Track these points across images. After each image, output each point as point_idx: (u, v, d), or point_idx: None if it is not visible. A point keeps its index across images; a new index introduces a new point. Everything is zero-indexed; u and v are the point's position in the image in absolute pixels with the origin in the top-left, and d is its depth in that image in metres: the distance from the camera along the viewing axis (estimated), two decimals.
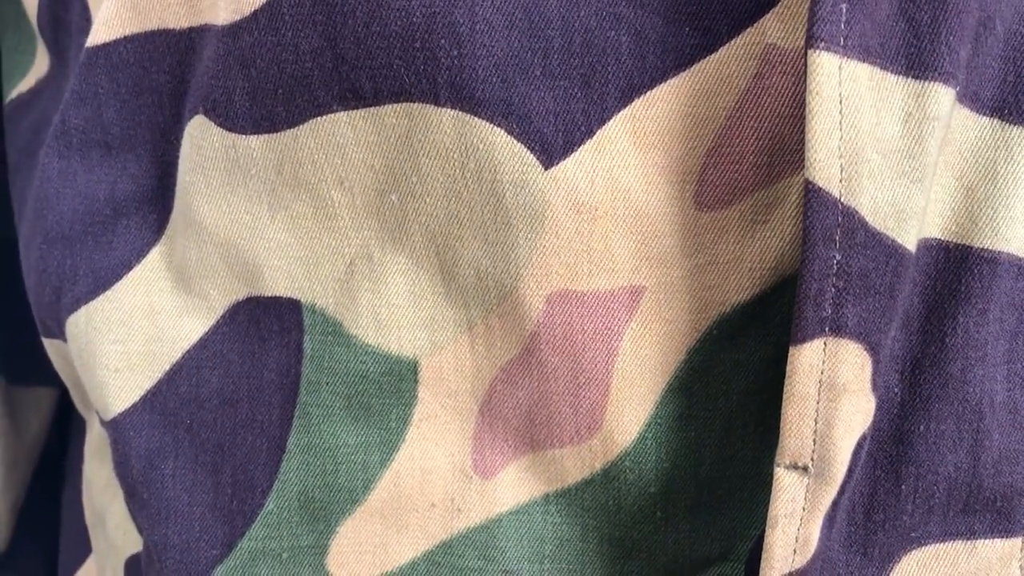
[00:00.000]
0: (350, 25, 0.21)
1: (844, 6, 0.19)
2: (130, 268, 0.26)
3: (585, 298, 0.23)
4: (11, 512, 0.37)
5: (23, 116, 0.31)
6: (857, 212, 0.20)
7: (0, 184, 0.35)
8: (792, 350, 0.21)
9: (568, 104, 0.21)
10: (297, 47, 0.22)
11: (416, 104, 0.22)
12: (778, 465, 0.22)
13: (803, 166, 0.21)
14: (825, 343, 0.21)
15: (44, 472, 0.40)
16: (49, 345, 0.30)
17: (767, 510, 0.24)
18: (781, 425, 0.22)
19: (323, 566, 0.26)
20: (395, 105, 0.22)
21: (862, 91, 0.20)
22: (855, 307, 0.21)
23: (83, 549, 0.35)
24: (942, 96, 0.20)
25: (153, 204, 0.26)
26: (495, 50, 0.21)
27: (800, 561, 0.22)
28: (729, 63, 0.21)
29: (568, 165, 0.22)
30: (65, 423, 0.40)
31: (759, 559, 0.24)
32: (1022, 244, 0.22)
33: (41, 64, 0.31)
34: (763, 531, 0.24)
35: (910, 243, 0.21)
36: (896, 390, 0.23)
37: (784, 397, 0.21)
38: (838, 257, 0.20)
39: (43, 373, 0.37)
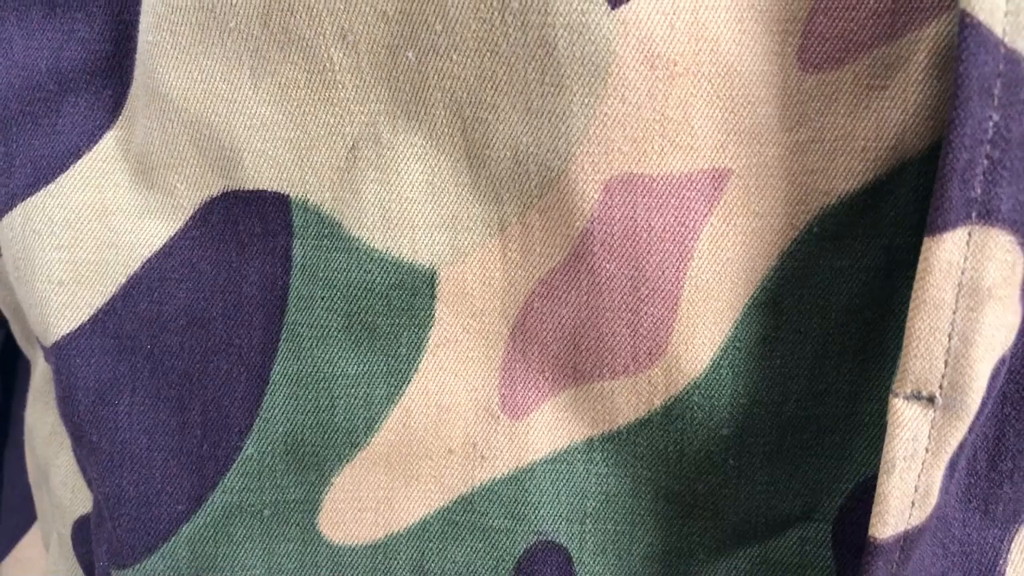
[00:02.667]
0: None
1: None
2: (78, 157, 0.22)
3: (655, 184, 0.19)
4: None
5: None
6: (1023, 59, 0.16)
7: None
8: (927, 242, 0.17)
9: None
10: None
11: None
12: (896, 395, 0.18)
13: (938, 14, 0.17)
14: (970, 233, 0.17)
15: None
16: None
17: (864, 459, 0.21)
18: (905, 342, 0.17)
19: (314, 526, 0.22)
20: None
21: None
22: (1011, 187, 0.16)
23: (30, 510, 0.31)
24: None
25: (107, 76, 0.22)
26: None
27: (919, 517, 0.18)
28: None
29: (642, 3, 0.17)
30: (7, 375, 0.36)
31: (851, 519, 0.21)
32: None
33: None
34: (857, 485, 0.21)
35: None
36: None
37: (912, 305, 0.17)
38: (995, 118, 0.16)
39: None
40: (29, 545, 0.32)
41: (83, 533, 0.26)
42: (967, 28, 0.16)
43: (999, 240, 0.17)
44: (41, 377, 0.27)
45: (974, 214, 0.17)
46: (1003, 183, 0.16)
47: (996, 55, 0.16)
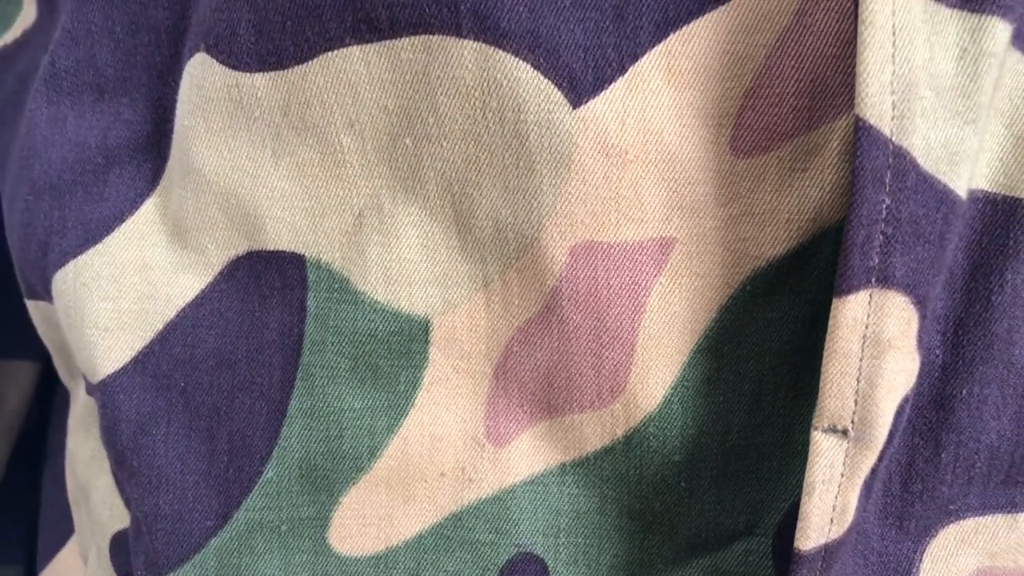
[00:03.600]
0: None
1: None
2: (122, 220, 0.25)
3: (611, 250, 0.22)
4: None
5: (8, 67, 0.30)
6: (909, 153, 0.19)
7: None
8: (836, 302, 0.20)
9: (599, 38, 0.20)
10: None
11: (436, 36, 0.20)
12: (815, 428, 0.21)
13: (846, 111, 0.20)
14: (871, 295, 0.19)
15: (22, 453, 0.39)
16: (33, 308, 0.28)
17: (797, 481, 0.23)
18: (820, 384, 0.20)
19: (324, 539, 0.24)
20: (413, 38, 0.21)
21: (915, 23, 0.19)
22: (903, 256, 0.19)
23: (65, 528, 0.34)
24: (999, 31, 0.19)
25: (148, 152, 0.25)
26: None
27: (837, 532, 0.21)
28: None
29: (598, 104, 0.20)
30: (45, 402, 0.39)
31: (787, 534, 0.23)
32: None
33: (28, 14, 0.29)
34: (792, 504, 0.23)
35: (962, 189, 0.19)
36: (938, 351, 0.22)
37: (825, 354, 0.20)
38: (887, 201, 0.19)
39: (23, 346, 0.36)
40: (65, 558, 0.34)
41: (120, 547, 0.29)
42: (861, 129, 0.19)
43: (895, 300, 0.20)
44: (83, 408, 0.30)
45: (873, 279, 0.20)
46: (896, 254, 0.19)
47: (886, 151, 0.19)
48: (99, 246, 0.25)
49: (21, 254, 0.26)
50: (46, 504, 0.36)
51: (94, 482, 0.29)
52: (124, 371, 0.25)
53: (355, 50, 0.21)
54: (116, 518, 0.28)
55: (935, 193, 0.19)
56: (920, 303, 0.20)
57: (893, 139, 0.19)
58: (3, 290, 0.35)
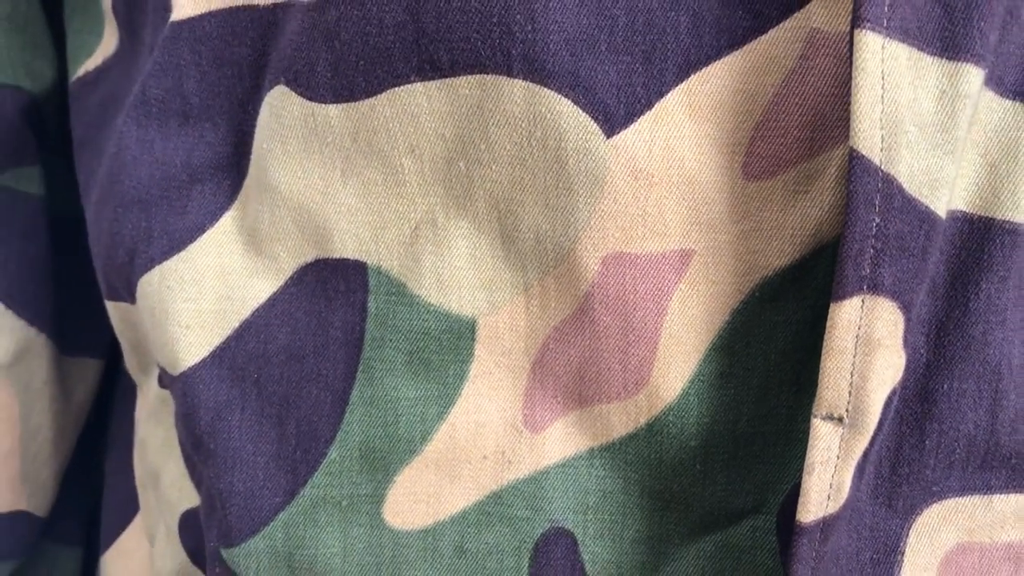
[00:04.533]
0: (432, 1, 0.23)
1: None
2: (203, 231, 0.28)
3: (638, 260, 0.25)
4: (56, 478, 0.39)
5: (90, 93, 0.33)
6: (895, 179, 0.22)
7: (60, 165, 0.37)
8: (833, 306, 0.23)
9: (630, 78, 0.23)
10: (381, 21, 0.24)
11: (490, 76, 0.24)
12: (815, 416, 0.23)
13: (843, 141, 0.23)
14: (863, 300, 0.22)
15: (80, 444, 0.42)
16: (113, 308, 0.31)
17: (799, 465, 0.26)
18: (819, 378, 0.23)
19: (379, 514, 0.27)
20: (469, 76, 0.24)
21: (902, 69, 0.22)
22: (891, 267, 0.22)
23: (130, 510, 0.37)
24: (973, 76, 0.22)
25: (228, 170, 0.28)
26: (566, 26, 0.23)
27: (833, 507, 0.24)
28: (777, 44, 0.23)
29: (628, 134, 0.24)
30: (104, 399, 0.42)
31: (790, 512, 0.26)
32: None
33: (109, 43, 0.32)
34: (794, 485, 0.26)
35: (941, 210, 0.23)
36: (922, 351, 0.25)
37: (823, 351, 0.23)
38: (877, 220, 0.22)
39: (92, 345, 0.39)
40: (129, 538, 0.36)
41: (188, 524, 0.31)
42: (854, 159, 0.22)
43: (884, 305, 0.23)
44: (155, 400, 0.33)
45: (865, 287, 0.22)
46: (885, 265, 0.22)
47: (876, 177, 0.22)
48: (182, 253, 0.28)
49: (107, 260, 0.30)
50: (109, 490, 0.39)
51: (164, 466, 0.32)
52: (203, 364, 0.28)
53: (419, 86, 0.24)
54: (185, 498, 0.31)
55: (918, 213, 0.22)
56: (906, 307, 0.23)
57: (882, 167, 0.22)
58: (77, 295, 0.38)
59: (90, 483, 0.42)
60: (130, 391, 0.38)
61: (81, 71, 0.33)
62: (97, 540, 0.42)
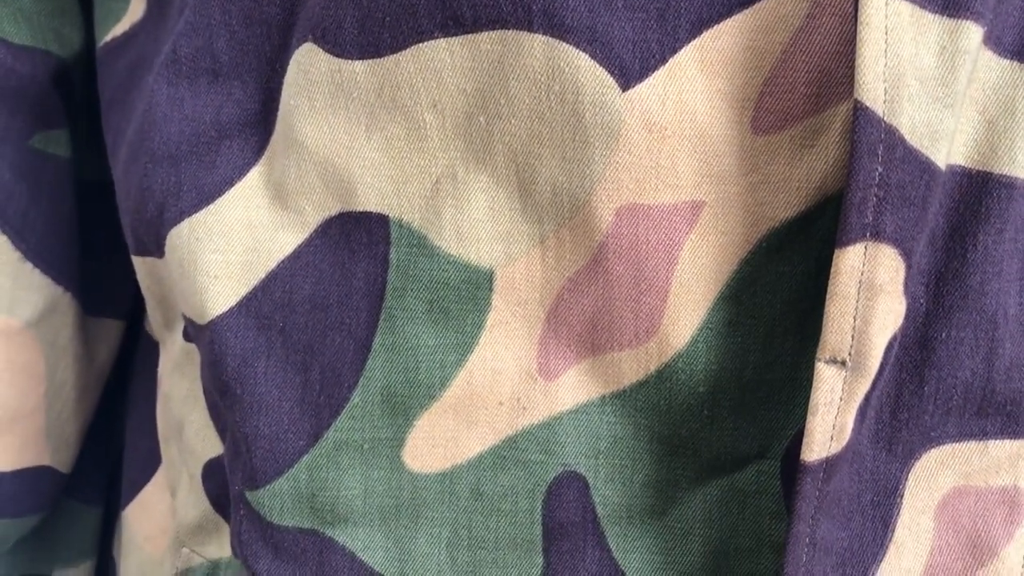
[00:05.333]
0: None
1: None
2: (231, 185, 0.29)
3: (651, 211, 0.26)
4: (79, 435, 0.40)
5: (118, 57, 0.34)
6: (897, 130, 0.23)
7: (86, 128, 0.38)
8: (837, 253, 0.24)
9: (645, 34, 0.24)
10: None
11: (510, 31, 0.25)
12: (819, 360, 0.24)
13: (847, 97, 0.24)
14: (866, 247, 0.24)
15: (100, 406, 0.43)
16: (141, 263, 0.32)
17: (803, 412, 0.27)
18: (823, 323, 0.24)
19: (399, 457, 0.28)
20: (491, 32, 0.25)
21: (904, 25, 0.23)
22: (893, 215, 0.23)
23: (151, 466, 0.38)
24: (972, 32, 0.23)
25: (255, 127, 0.29)
26: None
27: (836, 447, 0.25)
28: (786, 3, 0.24)
29: (643, 88, 0.25)
30: (123, 363, 0.43)
31: (794, 457, 0.27)
32: None
33: (136, 9, 0.33)
34: (798, 431, 0.27)
35: (941, 161, 0.24)
36: (922, 300, 0.26)
37: (827, 297, 0.24)
38: (880, 170, 0.23)
39: (115, 306, 0.40)
40: (151, 492, 0.37)
41: (212, 472, 0.32)
42: (859, 110, 0.23)
43: (886, 252, 0.24)
44: (179, 353, 0.34)
45: (868, 234, 0.23)
46: (887, 213, 0.23)
47: (879, 128, 0.23)
48: (211, 207, 0.29)
49: (136, 215, 0.31)
50: (130, 448, 0.40)
51: (188, 417, 0.33)
52: (231, 312, 0.29)
53: (442, 42, 0.25)
54: (209, 447, 0.32)
55: (919, 164, 0.23)
56: (907, 254, 0.24)
57: (885, 119, 0.23)
58: (96, 258, 0.39)
59: (110, 444, 0.43)
60: (149, 354, 0.39)
61: (109, 36, 0.34)
62: (116, 499, 0.44)
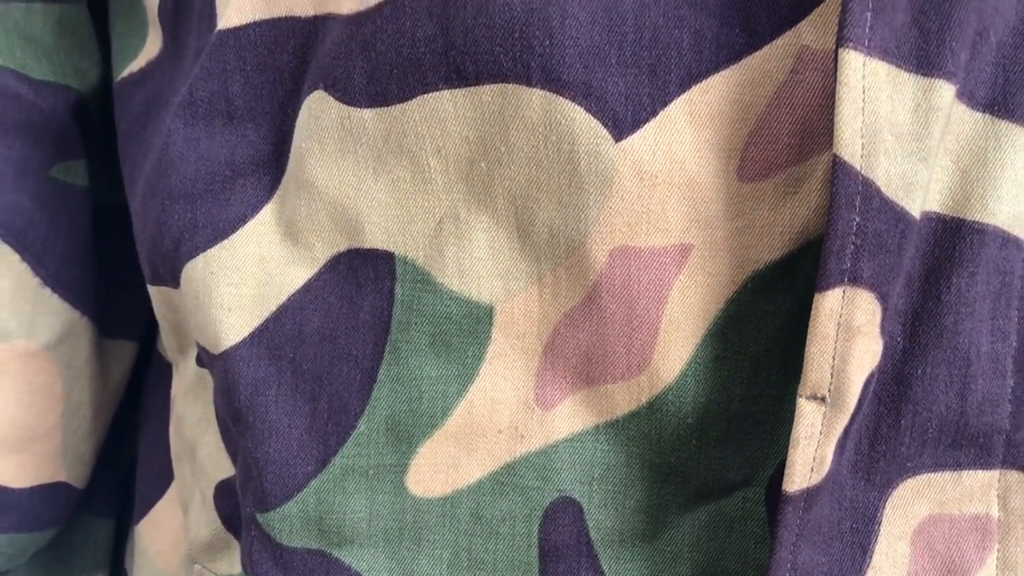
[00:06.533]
0: (461, 17, 0.26)
1: (869, 15, 0.24)
2: (245, 222, 0.30)
3: (642, 253, 0.27)
4: (94, 452, 0.41)
5: (135, 92, 0.35)
6: (874, 183, 0.24)
7: (103, 157, 0.39)
8: (817, 296, 0.25)
9: (637, 88, 0.26)
10: (414, 35, 0.26)
11: (510, 85, 0.26)
12: (800, 396, 0.26)
13: (828, 148, 0.26)
14: (844, 291, 0.25)
15: (113, 422, 0.44)
16: (156, 292, 0.34)
17: (786, 442, 0.28)
18: (804, 361, 0.25)
19: (403, 482, 0.30)
20: (492, 85, 0.26)
21: (881, 84, 0.24)
22: (869, 262, 0.25)
23: (163, 482, 0.39)
24: (945, 91, 0.25)
25: (268, 167, 0.30)
26: (580, 41, 0.25)
27: (816, 478, 0.26)
28: (771, 60, 0.26)
29: (635, 139, 0.26)
30: (135, 382, 0.44)
31: (777, 485, 0.28)
32: (1006, 218, 0.26)
33: (152, 47, 0.35)
34: (782, 460, 0.28)
35: (915, 211, 0.25)
36: (899, 339, 0.27)
37: (808, 337, 0.25)
38: (857, 219, 0.24)
39: (129, 328, 0.41)
40: (163, 507, 0.39)
41: (223, 492, 0.33)
42: (837, 164, 0.24)
43: (863, 296, 0.25)
44: (192, 378, 0.35)
45: (846, 279, 0.25)
46: (864, 260, 0.25)
47: (856, 180, 0.24)
48: (225, 242, 0.30)
49: (153, 247, 0.32)
50: (142, 464, 0.41)
51: (201, 439, 0.35)
52: (243, 343, 0.30)
53: (446, 93, 0.27)
54: (221, 469, 0.33)
55: (894, 214, 0.25)
56: (883, 298, 0.25)
57: (862, 172, 0.24)
58: (112, 282, 0.40)
59: (123, 459, 0.45)
60: (162, 373, 0.40)
61: (126, 72, 0.36)
62: (128, 512, 0.45)
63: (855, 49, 0.24)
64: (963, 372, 0.27)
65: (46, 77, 0.36)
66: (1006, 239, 0.26)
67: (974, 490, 0.28)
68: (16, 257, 0.36)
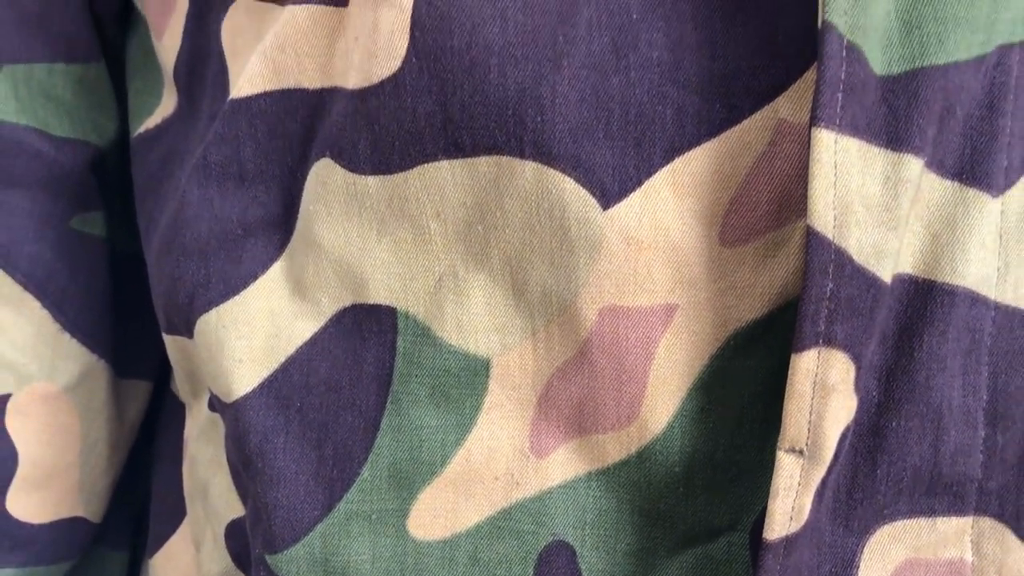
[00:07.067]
0: (458, 95, 0.27)
1: (840, 95, 0.25)
2: (256, 278, 0.31)
3: (630, 313, 0.29)
4: (110, 488, 0.43)
5: (151, 148, 0.37)
6: (846, 251, 0.26)
7: (120, 208, 0.41)
8: (793, 357, 0.26)
9: (623, 160, 0.27)
10: (414, 110, 0.28)
11: (505, 157, 0.28)
12: (780, 449, 0.27)
13: (805, 214, 0.27)
14: (819, 352, 0.26)
15: (129, 458, 0.46)
16: (171, 341, 0.35)
17: (768, 489, 0.29)
18: (783, 417, 0.27)
19: (404, 526, 0.31)
20: (488, 157, 0.28)
21: (852, 159, 0.26)
22: (843, 325, 0.26)
23: (176, 518, 0.41)
24: (913, 165, 0.26)
25: (277, 227, 0.32)
26: (569, 118, 0.27)
27: (795, 527, 0.27)
28: (750, 132, 0.27)
29: (621, 207, 0.28)
30: (149, 418, 0.46)
31: (760, 530, 0.29)
32: (974, 280, 0.28)
33: (168, 104, 0.37)
34: (765, 507, 0.29)
35: (886, 276, 0.26)
36: (874, 393, 0.28)
37: (786, 394, 0.27)
38: (831, 285, 0.26)
39: (144, 368, 0.43)
40: (176, 543, 0.40)
41: (234, 532, 0.35)
42: (811, 234, 0.26)
43: (837, 356, 0.26)
44: (205, 421, 0.36)
45: (821, 341, 0.26)
46: (838, 323, 0.26)
47: (829, 249, 0.26)
48: (237, 297, 0.31)
49: (168, 300, 0.34)
50: (156, 499, 0.42)
51: (212, 480, 0.36)
52: (253, 393, 0.31)
53: (444, 163, 0.28)
54: (232, 509, 0.35)
55: (866, 280, 0.26)
56: (856, 358, 0.27)
57: (835, 242, 0.26)
58: (128, 325, 0.42)
59: (137, 493, 0.46)
60: (175, 411, 0.42)
61: (142, 128, 0.38)
62: (142, 546, 0.47)
63: (827, 128, 0.25)
64: (936, 424, 0.28)
65: (67, 134, 0.38)
66: (975, 299, 0.28)
67: (948, 536, 0.29)
68: (37, 304, 0.38)
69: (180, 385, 0.38)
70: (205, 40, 0.33)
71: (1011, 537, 0.29)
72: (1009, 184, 0.28)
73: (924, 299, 0.28)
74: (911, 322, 0.28)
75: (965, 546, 0.29)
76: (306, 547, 0.31)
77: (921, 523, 0.29)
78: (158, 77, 0.37)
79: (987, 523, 0.29)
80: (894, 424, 0.28)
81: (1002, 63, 0.27)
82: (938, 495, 0.29)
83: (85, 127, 0.39)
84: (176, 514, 0.41)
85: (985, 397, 0.28)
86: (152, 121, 0.37)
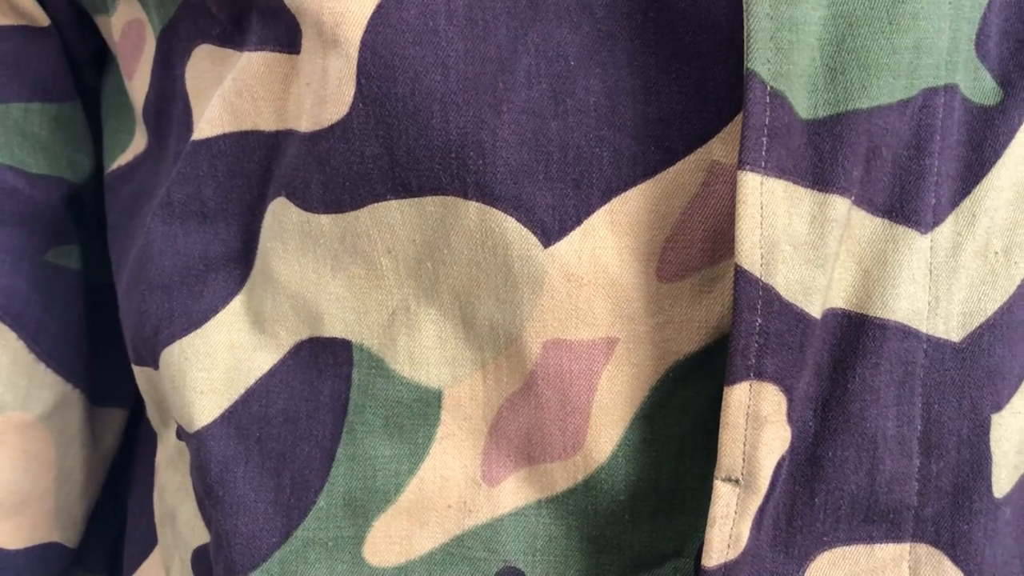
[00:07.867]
0: (404, 139, 0.28)
1: (764, 140, 0.26)
2: (216, 312, 0.33)
3: (573, 346, 0.30)
4: (86, 513, 0.44)
5: (122, 185, 0.38)
6: (773, 288, 0.27)
7: (95, 241, 0.42)
8: (726, 389, 0.27)
9: (563, 200, 0.29)
10: (363, 153, 0.29)
11: (450, 197, 0.29)
12: (716, 478, 0.28)
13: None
14: (751, 385, 0.27)
15: (105, 483, 0.47)
16: (140, 372, 0.36)
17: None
18: (718, 447, 0.28)
19: (360, 553, 0.32)
20: (434, 197, 0.29)
21: (778, 200, 0.27)
22: (772, 359, 0.27)
23: (150, 543, 0.41)
24: (839, 204, 0.27)
25: (238, 262, 0.33)
26: (510, 160, 0.28)
27: (733, 554, 0.28)
28: (684, 174, 0.28)
29: (562, 245, 0.29)
30: (128, 442, 0.47)
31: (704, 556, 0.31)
32: (905, 314, 0.29)
33: (139, 143, 0.38)
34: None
35: (815, 312, 0.28)
36: (810, 423, 0.29)
37: (720, 426, 0.28)
38: (760, 321, 0.27)
39: (119, 396, 0.44)
40: (148, 568, 0.41)
41: (200, 558, 0.35)
42: (739, 272, 0.26)
43: (769, 389, 0.27)
44: (172, 449, 0.37)
45: (752, 374, 0.27)
46: (767, 357, 0.27)
47: (756, 287, 0.27)
48: (199, 331, 0.32)
49: (135, 332, 0.35)
50: (131, 524, 0.43)
51: (180, 507, 0.37)
52: (214, 424, 0.32)
53: (393, 203, 0.29)
54: (198, 536, 0.35)
55: (794, 315, 0.27)
56: (787, 390, 0.28)
57: (762, 279, 0.27)
58: (102, 354, 0.43)
59: (114, 518, 0.47)
60: (150, 439, 0.43)
61: (115, 165, 0.39)
62: (118, 568, 0.47)
63: (752, 170, 0.26)
64: (871, 454, 0.29)
65: (42, 171, 0.39)
66: (907, 332, 0.29)
67: (886, 562, 0.30)
68: (13, 335, 0.39)
69: (150, 414, 0.39)
70: (171, 83, 0.34)
71: (947, 563, 0.30)
72: (938, 221, 0.29)
73: (857, 332, 0.29)
74: (844, 355, 0.29)
75: (903, 572, 0.30)
76: (265, 573, 0.32)
77: (860, 549, 0.30)
78: (131, 116, 0.39)
79: (924, 549, 0.30)
80: (830, 454, 0.29)
81: (927, 105, 0.28)
82: (875, 522, 0.30)
83: (60, 164, 0.40)
84: (149, 539, 0.42)
85: (919, 427, 0.29)
86: (124, 158, 0.39)
